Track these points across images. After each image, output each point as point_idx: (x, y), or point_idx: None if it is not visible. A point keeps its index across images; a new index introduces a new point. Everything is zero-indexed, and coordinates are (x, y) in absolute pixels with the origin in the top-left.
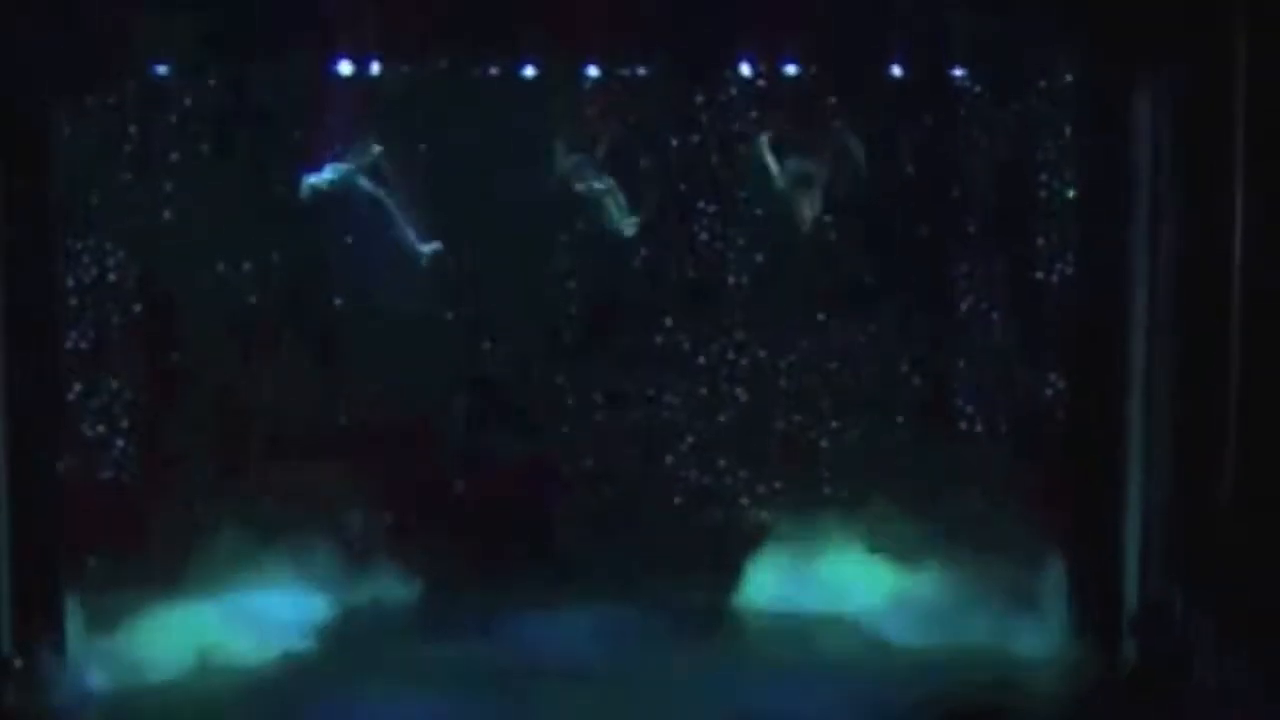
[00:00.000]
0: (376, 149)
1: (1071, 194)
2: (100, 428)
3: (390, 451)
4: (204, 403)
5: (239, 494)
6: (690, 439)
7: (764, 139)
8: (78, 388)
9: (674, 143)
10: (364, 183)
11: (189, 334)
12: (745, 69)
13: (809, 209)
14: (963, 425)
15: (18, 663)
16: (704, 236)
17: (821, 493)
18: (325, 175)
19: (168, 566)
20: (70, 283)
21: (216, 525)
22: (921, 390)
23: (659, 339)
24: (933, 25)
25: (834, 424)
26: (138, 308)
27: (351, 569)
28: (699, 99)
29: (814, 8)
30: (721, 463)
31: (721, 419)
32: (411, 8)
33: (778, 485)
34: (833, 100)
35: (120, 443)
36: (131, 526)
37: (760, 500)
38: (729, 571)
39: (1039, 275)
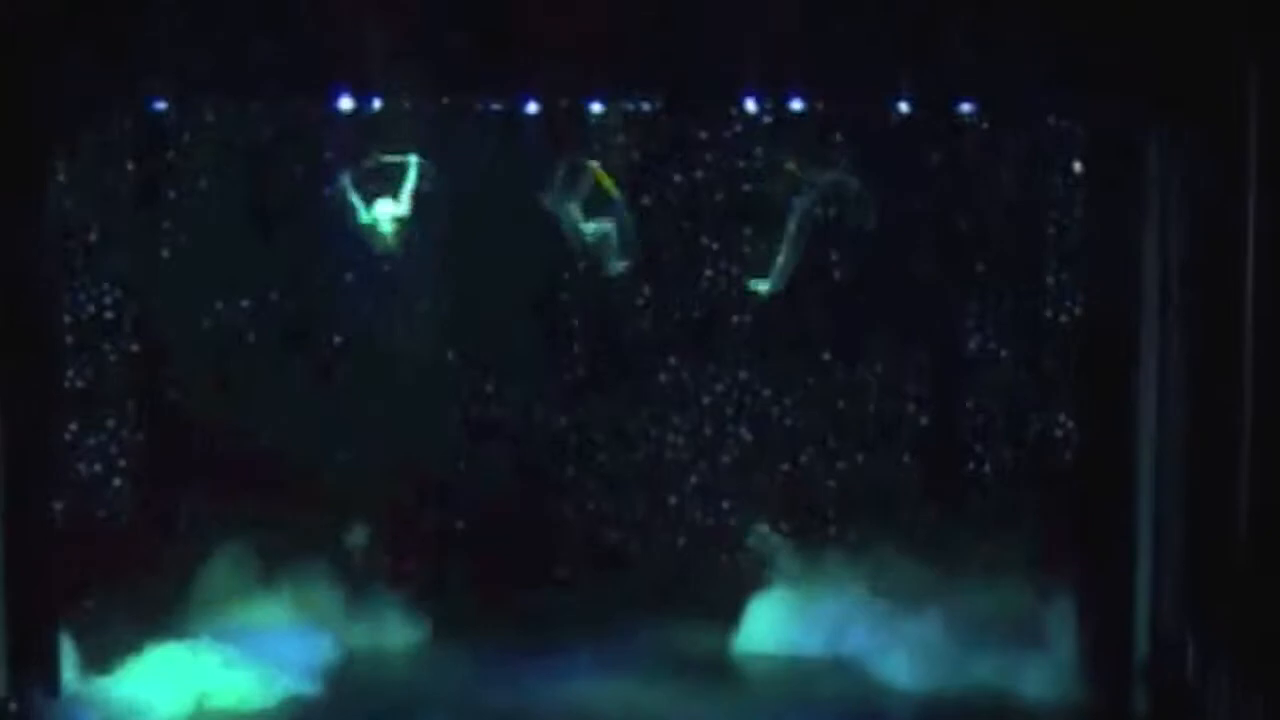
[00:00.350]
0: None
1: (1081, 232)
2: (96, 467)
3: (391, 492)
4: (201, 442)
5: (237, 534)
6: (694, 479)
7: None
8: (74, 427)
9: (677, 178)
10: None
11: (186, 372)
12: (750, 104)
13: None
14: (970, 465)
15: (12, 705)
16: (708, 273)
17: (826, 533)
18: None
19: (164, 607)
20: (67, 320)
21: (214, 565)
22: (928, 429)
23: (662, 378)
24: (940, 62)
25: (839, 464)
26: (135, 346)
27: (352, 609)
28: (703, 134)
29: (821, 43)
30: (725, 504)
31: (725, 459)
32: (413, 43)
33: (783, 526)
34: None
35: (116, 482)
36: (128, 567)
37: (764, 540)
38: (732, 612)
39: (1048, 313)
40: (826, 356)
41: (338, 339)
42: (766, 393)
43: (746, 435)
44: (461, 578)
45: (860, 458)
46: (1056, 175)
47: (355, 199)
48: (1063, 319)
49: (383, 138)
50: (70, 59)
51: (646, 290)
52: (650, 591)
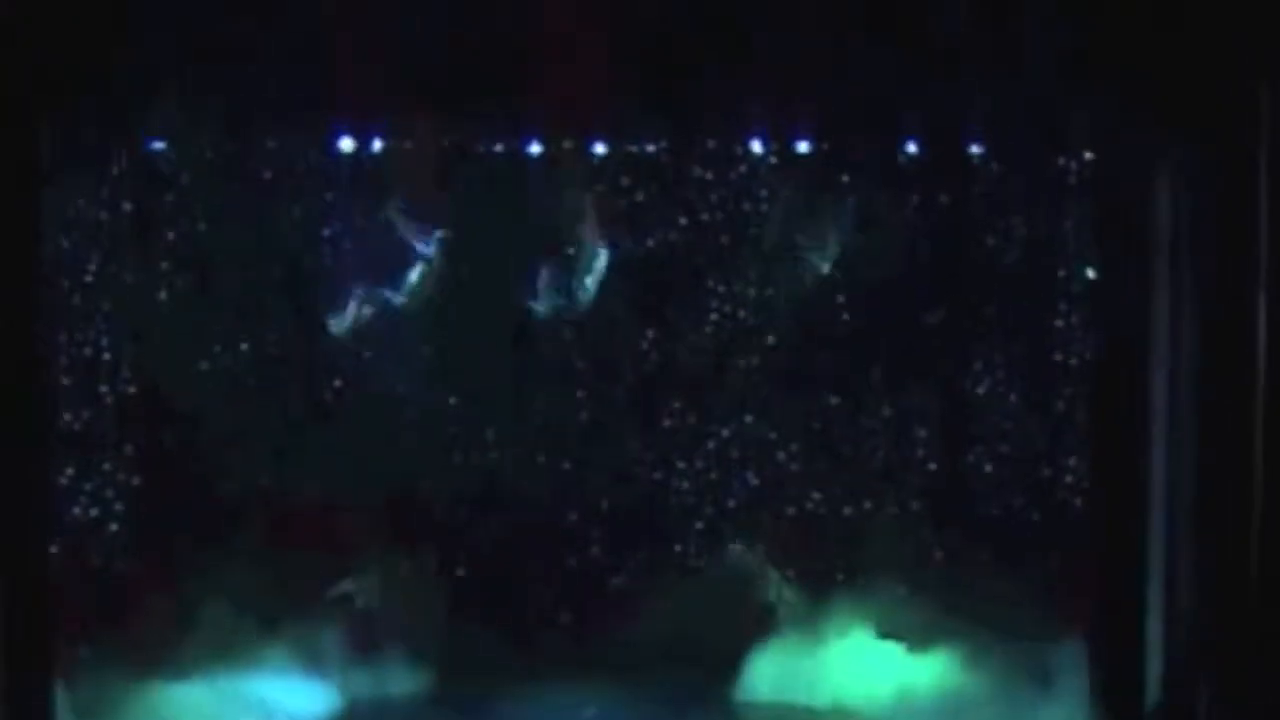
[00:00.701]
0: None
1: (1091, 273)
2: (93, 511)
3: (391, 537)
4: (200, 486)
5: (236, 579)
6: (699, 524)
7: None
8: (70, 470)
9: (683, 220)
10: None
11: (184, 415)
12: (756, 145)
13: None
14: (979, 509)
15: None
16: (714, 316)
17: (834, 579)
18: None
19: (162, 654)
20: (63, 361)
21: (213, 611)
22: (936, 475)
23: (667, 422)
24: (950, 101)
25: (846, 509)
26: (132, 389)
27: (354, 656)
28: (708, 175)
29: (826, 82)
30: (732, 548)
31: (731, 504)
32: (414, 84)
33: (790, 572)
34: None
35: (113, 526)
36: (125, 612)
37: (771, 586)
38: (738, 659)
39: (1057, 357)
40: (834, 400)
41: (338, 382)
42: (773, 436)
43: (753, 480)
44: (464, 625)
45: (868, 503)
46: (1065, 214)
47: (407, 229)
48: (1073, 361)
49: (385, 178)
50: (66, 97)
51: (650, 333)
52: (655, 638)
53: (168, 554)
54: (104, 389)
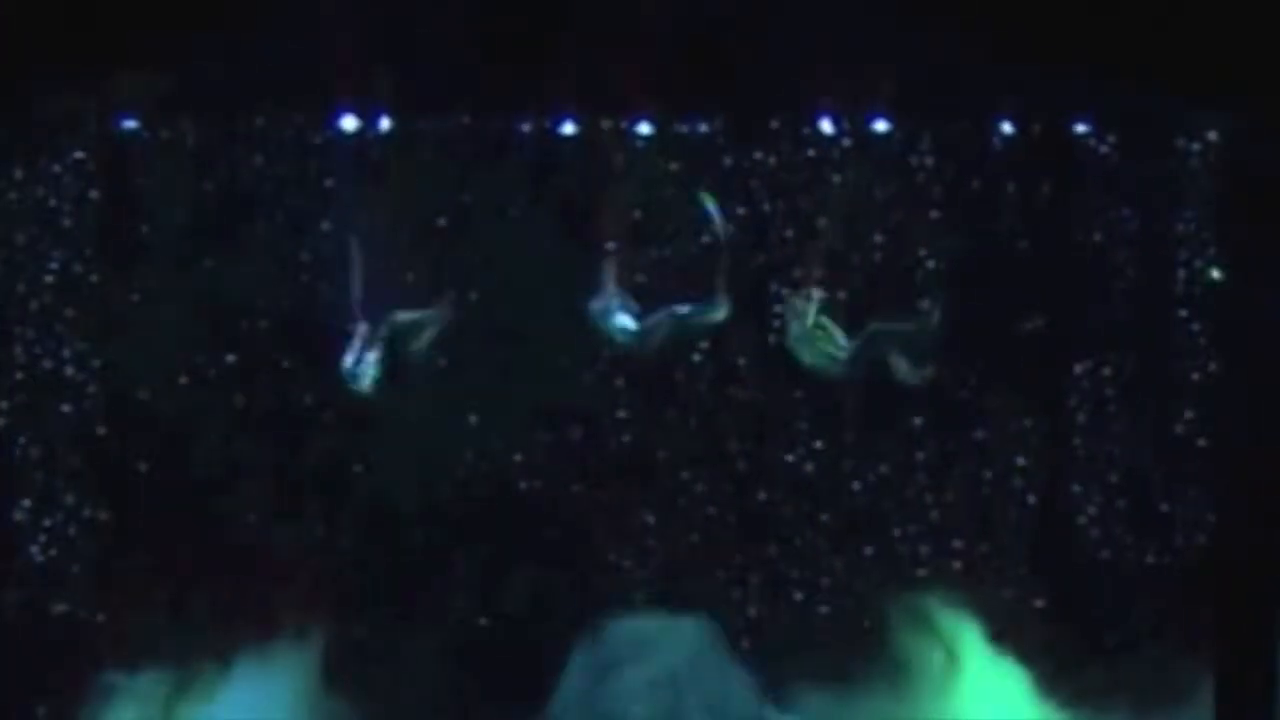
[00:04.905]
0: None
1: (1216, 275)
2: (53, 551)
3: (396, 581)
4: (175, 521)
5: (214, 628)
6: (763, 561)
7: None
8: (27, 503)
9: (741, 212)
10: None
11: (159, 439)
12: (826, 124)
13: None
14: (1087, 548)
15: None
16: (777, 323)
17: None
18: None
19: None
20: (19, 376)
21: (186, 664)
22: (1038, 508)
23: (724, 446)
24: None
25: (924, 548)
26: (100, 407)
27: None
28: (771, 160)
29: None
30: (797, 595)
31: (798, 542)
32: (428, 52)
33: (866, 624)
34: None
35: (76, 568)
36: (89, 664)
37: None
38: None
39: (1176, 371)
40: (917, 421)
41: (337, 401)
42: (847, 464)
43: (824, 516)
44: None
45: (957, 542)
46: (1185, 204)
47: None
48: (1194, 378)
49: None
50: (26, 69)
51: (705, 343)
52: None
53: (137, 599)
54: (67, 408)
